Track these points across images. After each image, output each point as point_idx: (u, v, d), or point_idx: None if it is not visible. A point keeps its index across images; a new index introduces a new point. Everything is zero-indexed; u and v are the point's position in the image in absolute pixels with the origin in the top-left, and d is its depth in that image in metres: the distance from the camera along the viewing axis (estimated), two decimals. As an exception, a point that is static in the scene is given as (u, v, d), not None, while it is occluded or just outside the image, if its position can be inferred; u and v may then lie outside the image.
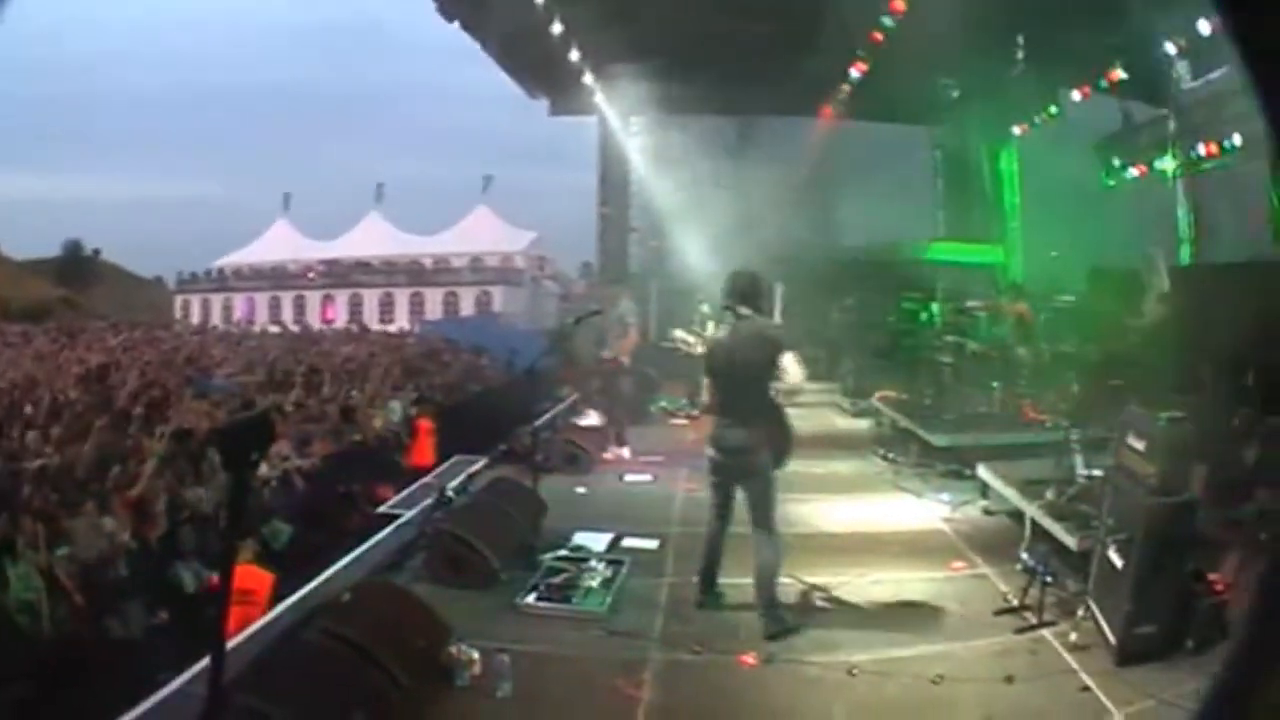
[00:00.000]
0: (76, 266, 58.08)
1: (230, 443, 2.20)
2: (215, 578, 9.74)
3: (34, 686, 7.40)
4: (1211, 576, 7.97)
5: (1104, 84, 21.68)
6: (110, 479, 11.14)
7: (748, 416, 9.09)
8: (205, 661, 7.00)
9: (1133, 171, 23.40)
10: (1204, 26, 17.79)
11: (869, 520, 12.41)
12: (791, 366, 9.14)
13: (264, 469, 13.53)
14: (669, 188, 29.17)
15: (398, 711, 6.47)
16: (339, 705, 6.16)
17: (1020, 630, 8.47)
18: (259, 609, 8.93)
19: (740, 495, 9.31)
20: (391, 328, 47.76)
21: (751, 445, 9.06)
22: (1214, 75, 19.26)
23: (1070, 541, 9.19)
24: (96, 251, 59.70)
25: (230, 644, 7.20)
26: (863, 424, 19.03)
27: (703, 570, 9.44)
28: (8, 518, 9.33)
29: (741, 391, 9.14)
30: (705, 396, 9.99)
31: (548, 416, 17.09)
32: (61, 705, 7.30)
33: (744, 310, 9.27)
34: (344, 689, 6.31)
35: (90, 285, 56.71)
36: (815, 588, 8.78)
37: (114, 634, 9.19)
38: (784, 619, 8.82)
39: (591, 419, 16.43)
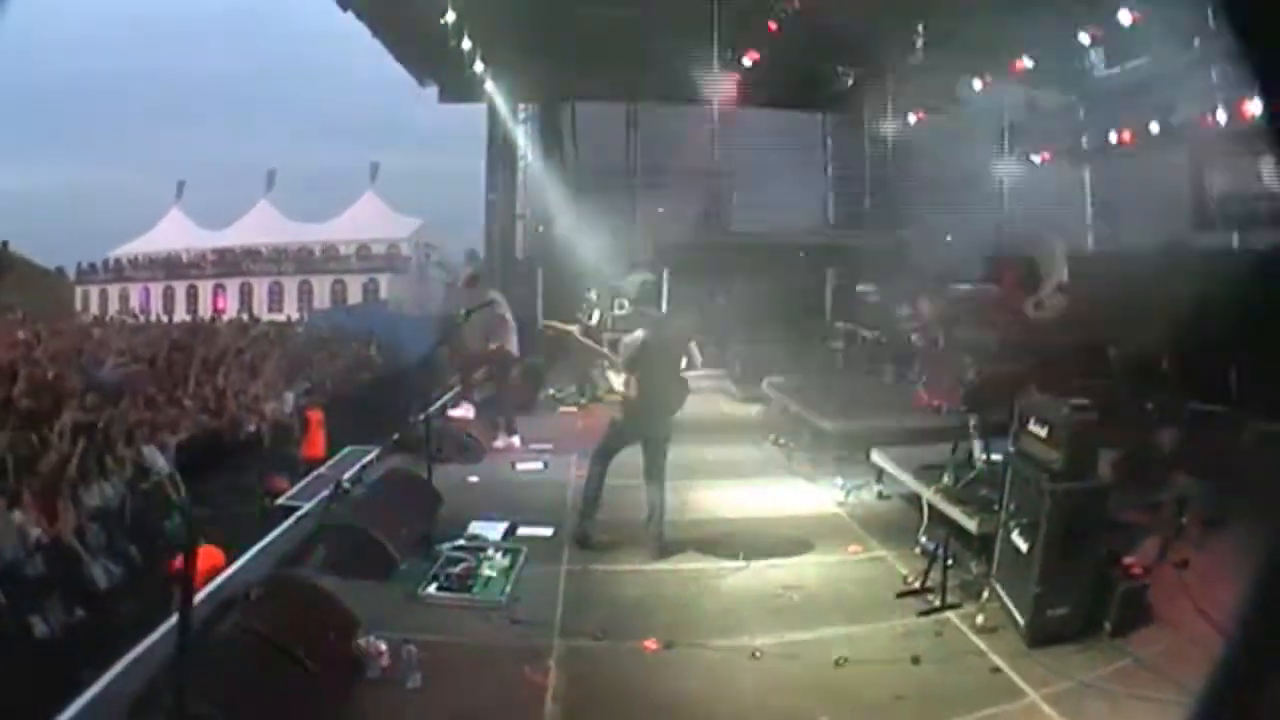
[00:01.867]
0: (-10, 258, 56.84)
1: (188, 459, 2.32)
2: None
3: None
4: (1128, 560, 8.21)
5: (1010, 72, 21.99)
6: (11, 472, 11.11)
7: (666, 396, 10.53)
8: (128, 659, 7.12)
9: (1035, 159, 23.81)
10: (1123, 17, 18.09)
11: (764, 505, 12.49)
12: (695, 351, 10.81)
13: (161, 462, 13.53)
14: (556, 174, 29.24)
15: (314, 704, 6.52)
16: (258, 699, 6.20)
17: (924, 613, 8.62)
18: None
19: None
20: (280, 316, 47.33)
21: (667, 418, 10.76)
22: (1133, 63, 19.65)
23: (970, 525, 9.30)
24: (5, 243, 58.46)
25: (147, 641, 7.31)
26: (752, 409, 19.05)
27: (586, 511, 10.91)
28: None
29: (663, 377, 10.46)
30: (627, 389, 10.66)
31: (437, 405, 17.08)
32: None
33: (652, 311, 10.82)
34: (261, 683, 6.35)
35: (1, 277, 55.59)
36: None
37: (37, 632, 9.22)
38: (668, 548, 10.52)
39: (465, 410, 16.42)
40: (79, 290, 55.29)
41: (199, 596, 8.33)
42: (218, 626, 6.72)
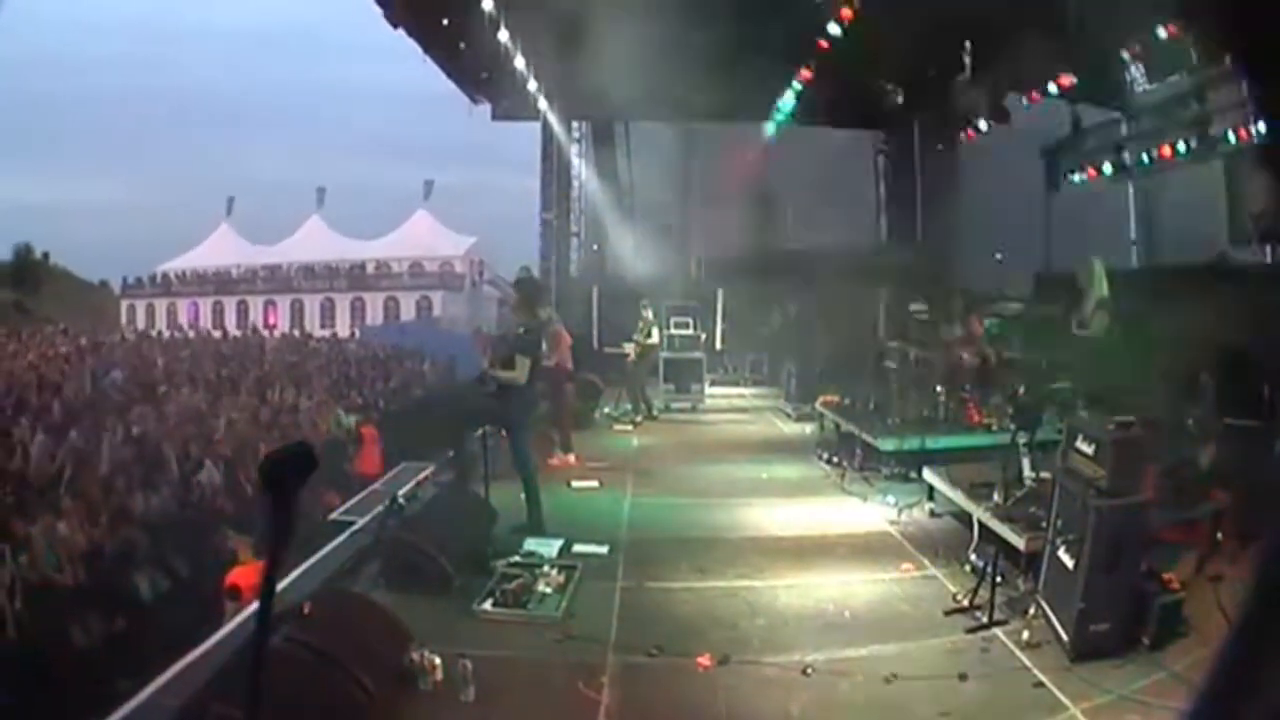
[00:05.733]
0: (26, 270, 57.38)
1: (273, 472, 2.28)
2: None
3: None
4: (1166, 575, 8.14)
5: (1054, 89, 21.90)
6: (63, 484, 11.13)
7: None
8: (173, 671, 7.11)
9: (1080, 176, 23.66)
10: (1162, 31, 18.04)
11: (816, 523, 12.38)
12: None
13: (212, 475, 13.59)
14: (610, 192, 29.24)
15: (367, 717, 6.51)
16: (310, 711, 6.19)
17: (971, 629, 8.56)
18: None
19: None
20: (332, 333, 47.64)
21: None
22: (1172, 79, 19.56)
23: (1019, 542, 9.27)
24: (46, 255, 59.10)
25: (196, 651, 7.30)
26: (806, 428, 18.95)
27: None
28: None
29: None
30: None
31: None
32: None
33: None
34: (314, 695, 6.32)
35: (40, 289, 56.13)
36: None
37: (76, 641, 9.19)
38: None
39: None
40: (125, 304, 55.75)
41: (248, 611, 8.33)
42: (269, 639, 6.71)
